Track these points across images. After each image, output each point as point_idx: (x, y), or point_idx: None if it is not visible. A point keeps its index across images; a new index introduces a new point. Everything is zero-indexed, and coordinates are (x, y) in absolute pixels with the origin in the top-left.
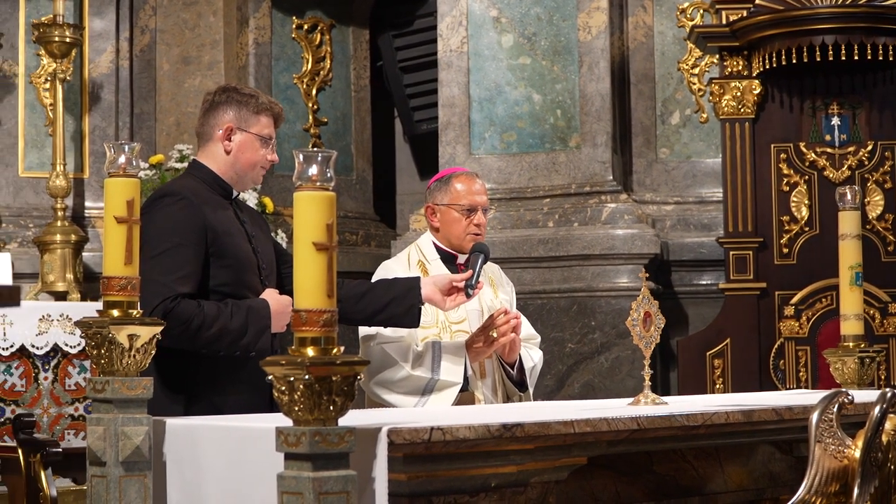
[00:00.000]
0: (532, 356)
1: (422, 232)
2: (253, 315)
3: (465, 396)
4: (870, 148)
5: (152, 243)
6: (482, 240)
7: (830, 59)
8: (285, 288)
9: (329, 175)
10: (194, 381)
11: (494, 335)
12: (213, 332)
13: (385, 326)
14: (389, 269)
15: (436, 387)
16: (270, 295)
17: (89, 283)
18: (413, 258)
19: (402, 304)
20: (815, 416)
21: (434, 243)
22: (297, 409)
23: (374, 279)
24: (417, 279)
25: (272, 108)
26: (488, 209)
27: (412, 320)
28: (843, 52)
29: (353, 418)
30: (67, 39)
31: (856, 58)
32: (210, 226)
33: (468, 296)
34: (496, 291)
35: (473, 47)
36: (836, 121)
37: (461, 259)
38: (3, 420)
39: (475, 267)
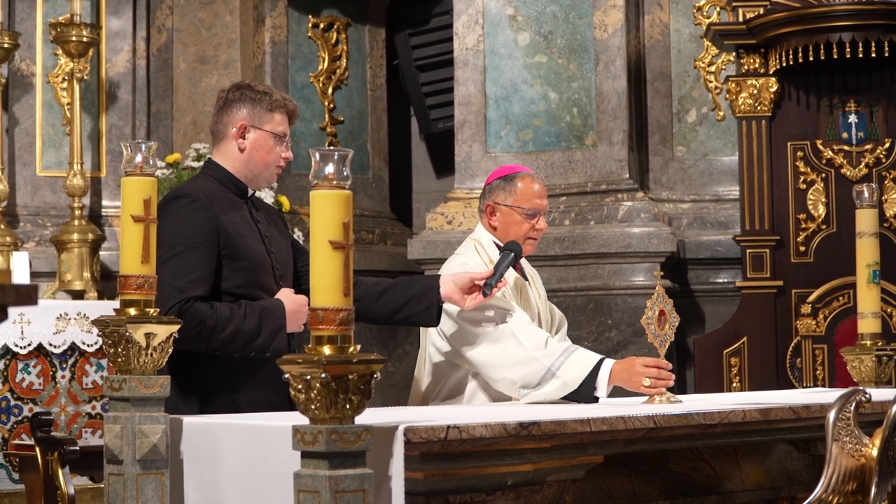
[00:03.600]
0: None
1: (437, 230)
2: (267, 316)
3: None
4: (887, 146)
5: (165, 246)
6: (535, 244)
7: (847, 56)
8: (302, 286)
9: (345, 174)
10: (209, 381)
11: (647, 383)
12: (227, 333)
13: (404, 325)
14: (465, 265)
15: (549, 381)
16: (285, 295)
17: (106, 282)
18: (482, 255)
19: (421, 302)
20: (832, 415)
21: (495, 242)
22: (313, 407)
23: (441, 272)
24: (437, 277)
25: (286, 104)
26: (548, 213)
27: (431, 319)
28: (861, 49)
29: (370, 417)
30: (85, 39)
31: (873, 55)
32: (223, 228)
33: (485, 294)
34: (539, 291)
35: (489, 45)
36: (853, 118)
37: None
38: (20, 418)
39: (500, 266)
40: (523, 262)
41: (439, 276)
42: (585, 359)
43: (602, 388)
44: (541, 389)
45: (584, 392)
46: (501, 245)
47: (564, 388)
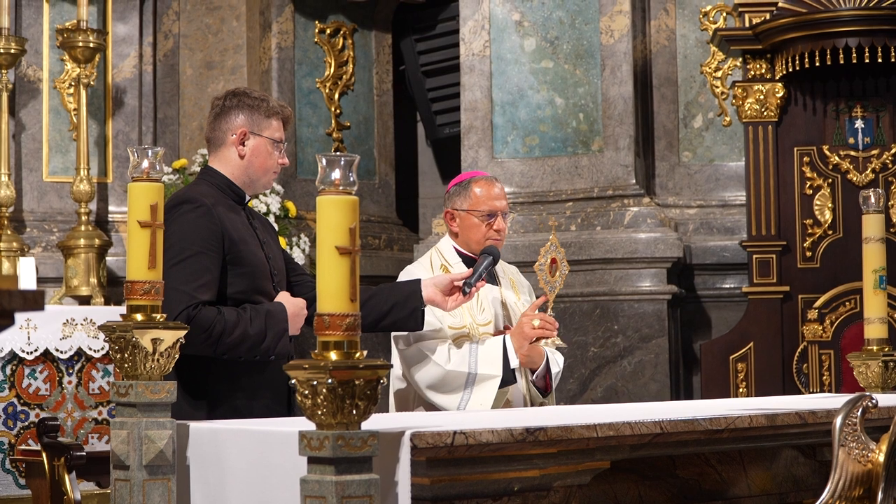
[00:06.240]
0: (558, 361)
1: (444, 236)
2: (271, 319)
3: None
4: (893, 151)
5: (172, 251)
6: (501, 245)
7: (854, 61)
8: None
9: (352, 179)
10: (214, 385)
11: (537, 323)
12: (234, 338)
13: (390, 331)
14: (412, 274)
15: (476, 381)
16: (285, 297)
17: (113, 288)
18: (435, 262)
19: (405, 308)
20: (838, 420)
21: (455, 248)
22: (320, 412)
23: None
24: (418, 282)
25: (282, 111)
26: (508, 214)
27: (416, 323)
28: (867, 54)
29: (377, 422)
30: (91, 45)
31: (879, 60)
32: (227, 233)
33: (465, 294)
34: (518, 294)
35: (496, 51)
36: (859, 124)
37: None
38: (27, 424)
39: (479, 267)
40: (499, 267)
41: (420, 280)
42: (492, 346)
43: (513, 359)
44: (475, 395)
45: (505, 372)
46: (461, 250)
47: (495, 382)
